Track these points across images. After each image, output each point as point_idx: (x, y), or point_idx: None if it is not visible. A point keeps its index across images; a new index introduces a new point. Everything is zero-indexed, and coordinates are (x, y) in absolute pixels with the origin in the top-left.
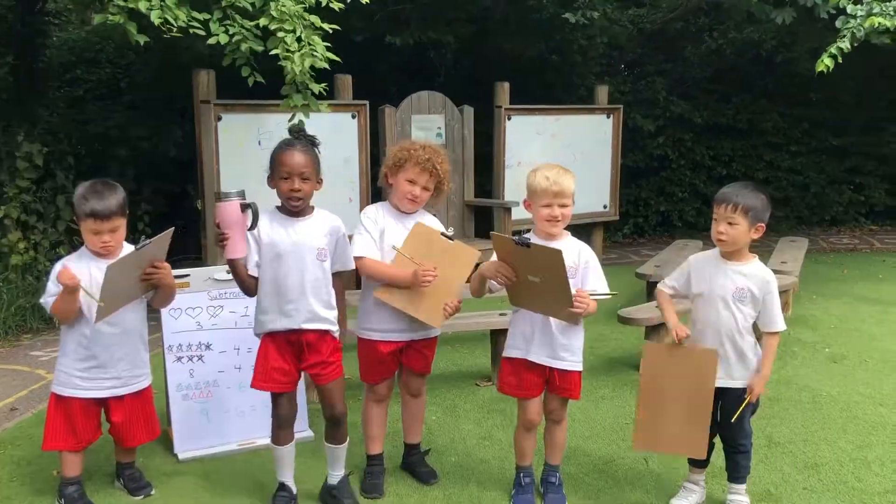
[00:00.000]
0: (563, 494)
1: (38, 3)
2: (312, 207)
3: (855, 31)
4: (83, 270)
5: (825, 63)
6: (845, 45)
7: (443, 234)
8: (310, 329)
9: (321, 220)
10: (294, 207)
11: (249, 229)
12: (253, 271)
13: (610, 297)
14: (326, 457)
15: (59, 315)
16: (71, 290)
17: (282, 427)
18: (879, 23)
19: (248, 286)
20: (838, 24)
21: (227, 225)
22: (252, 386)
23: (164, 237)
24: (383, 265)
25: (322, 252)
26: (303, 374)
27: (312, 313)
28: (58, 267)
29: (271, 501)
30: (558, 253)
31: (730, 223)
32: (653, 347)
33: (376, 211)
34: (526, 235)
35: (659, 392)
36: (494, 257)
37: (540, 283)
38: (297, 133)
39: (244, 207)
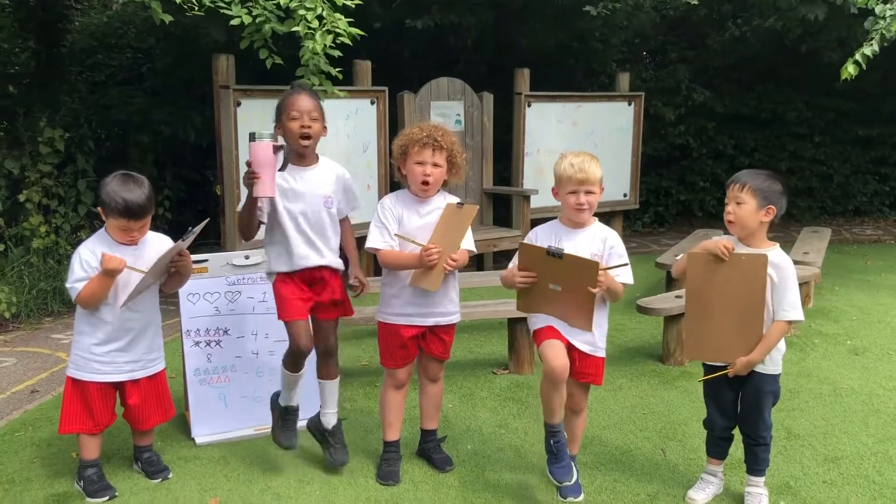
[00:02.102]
0: (580, 484)
1: None
2: (318, 156)
3: (884, 31)
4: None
5: (849, 71)
6: (872, 49)
7: (458, 203)
8: (318, 266)
9: (327, 168)
10: (303, 145)
11: (280, 170)
12: (262, 217)
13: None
14: (320, 394)
15: (89, 300)
16: (115, 273)
17: (294, 356)
18: None
19: (252, 229)
20: (867, 25)
21: (259, 164)
22: (280, 318)
23: (199, 228)
24: (397, 254)
25: (329, 200)
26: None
27: (321, 254)
28: (85, 253)
29: (280, 423)
30: (595, 265)
31: (738, 203)
32: (697, 256)
33: (392, 201)
34: (558, 246)
35: (706, 301)
36: (514, 263)
37: (561, 292)
38: (301, 85)
39: (276, 149)
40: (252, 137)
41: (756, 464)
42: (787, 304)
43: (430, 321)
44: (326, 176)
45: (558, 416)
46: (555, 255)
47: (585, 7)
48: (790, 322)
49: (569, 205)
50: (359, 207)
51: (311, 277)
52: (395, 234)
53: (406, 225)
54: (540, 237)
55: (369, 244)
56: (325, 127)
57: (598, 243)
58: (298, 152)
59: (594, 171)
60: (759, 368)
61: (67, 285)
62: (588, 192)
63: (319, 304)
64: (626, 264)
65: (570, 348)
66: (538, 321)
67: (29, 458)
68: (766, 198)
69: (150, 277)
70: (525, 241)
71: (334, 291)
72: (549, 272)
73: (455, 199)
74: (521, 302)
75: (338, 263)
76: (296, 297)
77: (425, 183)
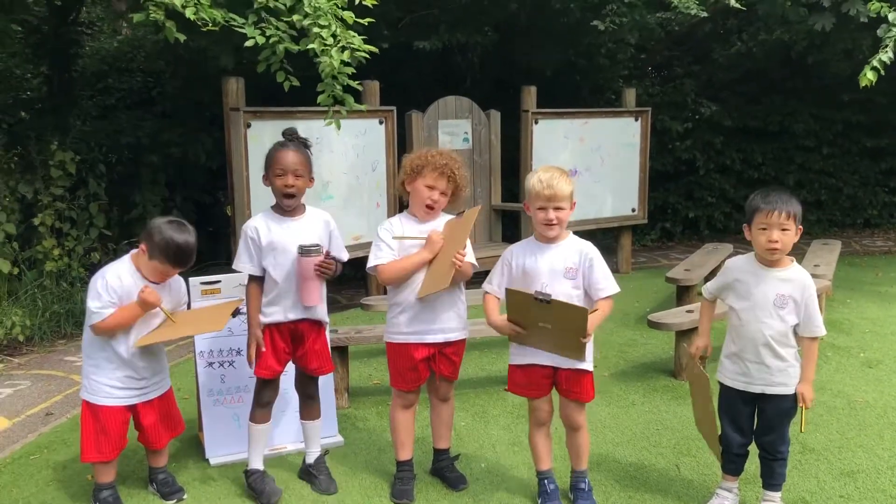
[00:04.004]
0: (594, 500)
1: (72, 14)
2: (304, 206)
3: None
4: (133, 291)
5: (868, 77)
6: (888, 55)
7: (458, 213)
8: (304, 319)
9: (313, 218)
10: (288, 203)
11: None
12: (253, 271)
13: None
14: (303, 434)
15: (107, 330)
16: (151, 307)
17: (262, 407)
18: None
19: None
20: (880, 32)
21: (308, 277)
22: (255, 374)
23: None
24: (397, 261)
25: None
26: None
27: (301, 308)
28: (111, 277)
29: (250, 487)
30: (583, 312)
31: (783, 230)
32: (690, 363)
33: (392, 223)
34: (545, 291)
35: (697, 399)
36: (498, 271)
37: (552, 329)
38: (290, 136)
39: (327, 257)
40: (304, 252)
41: (773, 478)
42: (818, 320)
43: (439, 338)
44: (311, 226)
45: (548, 463)
46: (542, 301)
47: (593, 22)
48: (818, 338)
49: (538, 221)
50: (344, 258)
51: (294, 330)
52: (394, 237)
53: (408, 245)
54: (516, 254)
55: (369, 264)
56: (313, 179)
57: (574, 256)
58: (283, 209)
59: (563, 187)
60: (781, 389)
61: (93, 309)
62: (557, 209)
63: (302, 355)
64: (603, 285)
65: (556, 370)
66: (517, 356)
67: (45, 481)
68: (800, 221)
69: (169, 332)
70: (502, 260)
71: (316, 346)
72: (537, 315)
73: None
74: (512, 337)
75: (320, 316)
76: (269, 354)
77: (430, 207)
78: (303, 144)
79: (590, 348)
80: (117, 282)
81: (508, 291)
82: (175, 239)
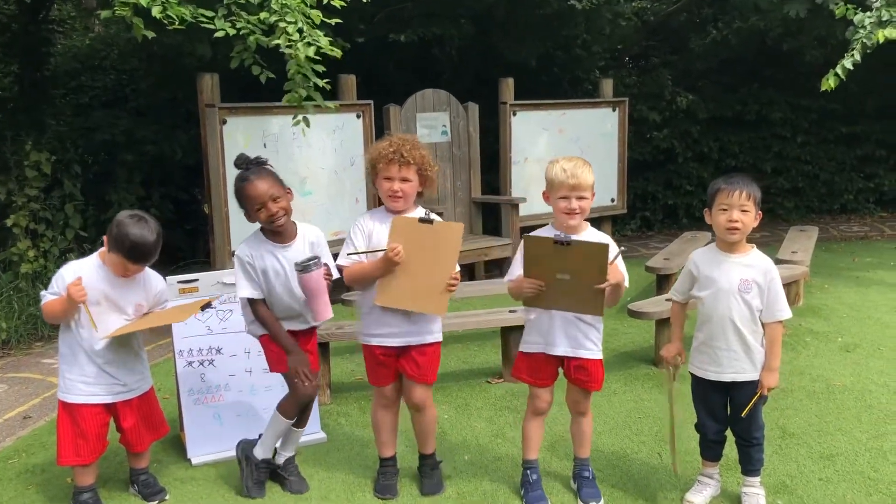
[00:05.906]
0: (598, 488)
1: (43, 12)
2: (295, 226)
3: (865, 40)
4: (96, 285)
5: (829, 83)
6: (854, 60)
7: (420, 219)
8: (297, 329)
9: (303, 239)
10: (279, 227)
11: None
12: (259, 294)
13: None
14: (284, 436)
15: (47, 315)
16: (75, 302)
17: (301, 406)
18: (886, 36)
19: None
20: (848, 35)
21: (314, 294)
22: (276, 370)
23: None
24: (358, 266)
25: None
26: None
27: (300, 320)
28: (67, 271)
29: (255, 474)
30: (604, 247)
31: (743, 210)
32: (664, 366)
33: (363, 219)
34: (559, 233)
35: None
36: (515, 271)
37: (570, 281)
38: (244, 163)
39: (328, 275)
40: (304, 269)
41: (751, 464)
42: (782, 304)
43: (398, 341)
44: (303, 249)
45: (535, 453)
46: (563, 243)
47: (570, 1)
48: (781, 322)
49: (560, 210)
50: (331, 261)
51: (293, 335)
52: (360, 252)
53: (375, 239)
54: None
55: (337, 262)
56: (289, 190)
57: None
58: (274, 232)
59: (586, 176)
60: (749, 376)
61: (41, 294)
62: (580, 198)
63: None
64: (618, 253)
65: (567, 360)
66: (527, 343)
67: (24, 485)
68: (759, 204)
69: (131, 326)
70: (521, 254)
71: (309, 346)
72: (556, 263)
73: (423, 213)
74: (528, 297)
75: (313, 322)
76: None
77: (394, 199)
78: (259, 164)
79: (599, 335)
80: (72, 275)
81: (527, 238)
82: (130, 233)
